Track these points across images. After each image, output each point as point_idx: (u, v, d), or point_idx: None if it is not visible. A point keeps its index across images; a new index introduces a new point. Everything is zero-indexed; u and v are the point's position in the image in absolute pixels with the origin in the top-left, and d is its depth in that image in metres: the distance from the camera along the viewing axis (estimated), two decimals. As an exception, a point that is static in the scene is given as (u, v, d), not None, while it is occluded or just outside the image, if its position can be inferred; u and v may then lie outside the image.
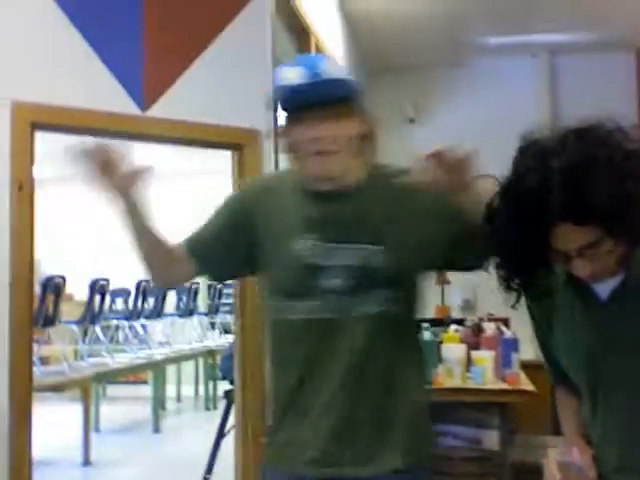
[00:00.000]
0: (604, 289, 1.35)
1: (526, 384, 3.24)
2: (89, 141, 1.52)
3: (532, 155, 1.26)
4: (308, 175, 1.60)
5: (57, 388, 5.98)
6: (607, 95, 4.99)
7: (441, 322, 4.12)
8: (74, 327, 7.01)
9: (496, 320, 3.79)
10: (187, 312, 9.13)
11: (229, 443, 3.63)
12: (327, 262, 1.56)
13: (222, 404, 4.57)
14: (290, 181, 1.67)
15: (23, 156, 2.72)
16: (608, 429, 1.40)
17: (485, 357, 3.29)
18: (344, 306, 1.56)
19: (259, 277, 1.73)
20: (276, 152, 3.41)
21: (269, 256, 1.63)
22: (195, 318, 9.39)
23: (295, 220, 1.61)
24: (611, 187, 1.17)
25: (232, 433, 3.58)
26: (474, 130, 5.70)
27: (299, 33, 3.95)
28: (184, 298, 9.17)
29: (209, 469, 4.53)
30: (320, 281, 1.56)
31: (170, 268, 1.68)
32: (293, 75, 1.53)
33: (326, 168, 1.55)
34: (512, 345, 3.31)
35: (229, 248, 1.68)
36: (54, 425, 6.73)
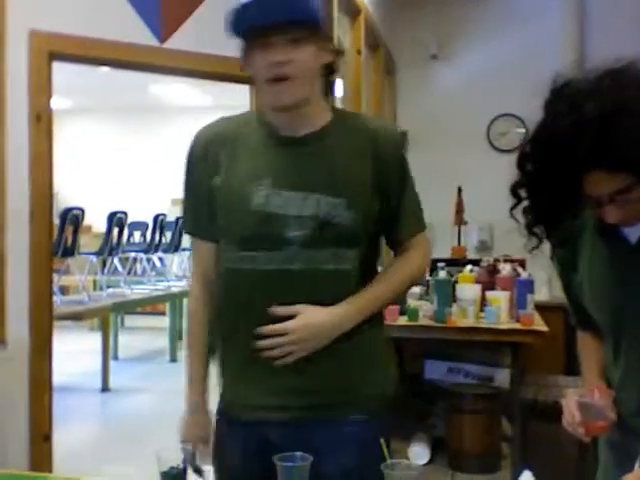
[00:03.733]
0: (634, 233, 1.35)
1: (540, 325, 3.26)
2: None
3: (564, 99, 1.24)
4: (266, 107, 1.49)
5: (77, 317, 6.09)
6: (637, 33, 4.84)
7: (457, 262, 4.13)
8: (93, 258, 7.10)
9: (512, 261, 3.79)
10: (204, 247, 9.20)
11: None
12: (285, 211, 1.46)
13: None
14: (252, 122, 1.55)
15: (41, 87, 2.71)
16: (629, 372, 1.41)
17: (499, 297, 3.30)
18: (302, 259, 1.46)
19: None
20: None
21: (225, 203, 1.51)
22: (212, 253, 9.46)
23: (253, 165, 1.49)
24: None
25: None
26: (498, 67, 5.58)
27: (320, -37, 3.84)
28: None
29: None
30: (279, 231, 1.46)
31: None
32: None
33: (280, 97, 1.42)
34: (527, 286, 3.31)
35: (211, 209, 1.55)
36: (74, 353, 6.90)
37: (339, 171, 1.48)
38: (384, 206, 1.51)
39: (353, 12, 4.47)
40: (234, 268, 1.51)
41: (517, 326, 3.22)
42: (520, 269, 3.57)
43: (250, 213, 1.47)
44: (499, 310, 3.24)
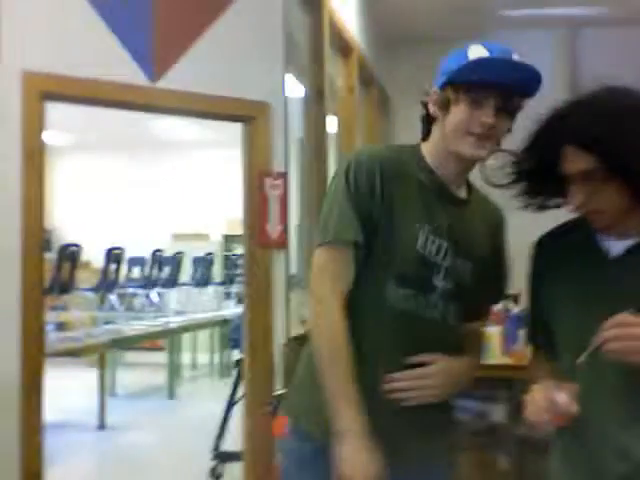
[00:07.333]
0: (618, 246, 1.43)
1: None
2: None
3: (568, 102, 1.43)
4: (453, 152, 1.57)
5: (73, 353, 6.08)
6: (626, 70, 4.89)
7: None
8: (90, 294, 7.11)
9: (506, 296, 3.78)
10: (202, 282, 9.21)
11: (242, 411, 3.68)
12: (437, 260, 1.56)
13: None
14: (413, 161, 1.62)
15: (33, 125, 2.74)
16: (592, 384, 1.41)
17: (492, 333, 3.29)
18: (440, 308, 1.57)
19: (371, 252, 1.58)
20: (286, 125, 3.41)
21: (390, 236, 1.55)
22: (211, 288, 9.46)
23: (418, 206, 1.57)
24: (617, 125, 1.33)
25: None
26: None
27: (312, 4, 3.92)
28: (199, 268, 9.25)
29: (220, 435, 4.60)
30: (430, 276, 1.56)
31: None
32: (484, 52, 1.51)
33: (479, 151, 1.55)
34: (518, 321, 3.31)
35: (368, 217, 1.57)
36: (72, 389, 6.86)
37: (476, 240, 1.62)
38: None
39: (345, 50, 4.54)
40: (394, 305, 1.54)
41: (509, 362, 3.20)
42: (513, 303, 3.56)
43: (414, 252, 1.55)
44: (492, 346, 3.23)
